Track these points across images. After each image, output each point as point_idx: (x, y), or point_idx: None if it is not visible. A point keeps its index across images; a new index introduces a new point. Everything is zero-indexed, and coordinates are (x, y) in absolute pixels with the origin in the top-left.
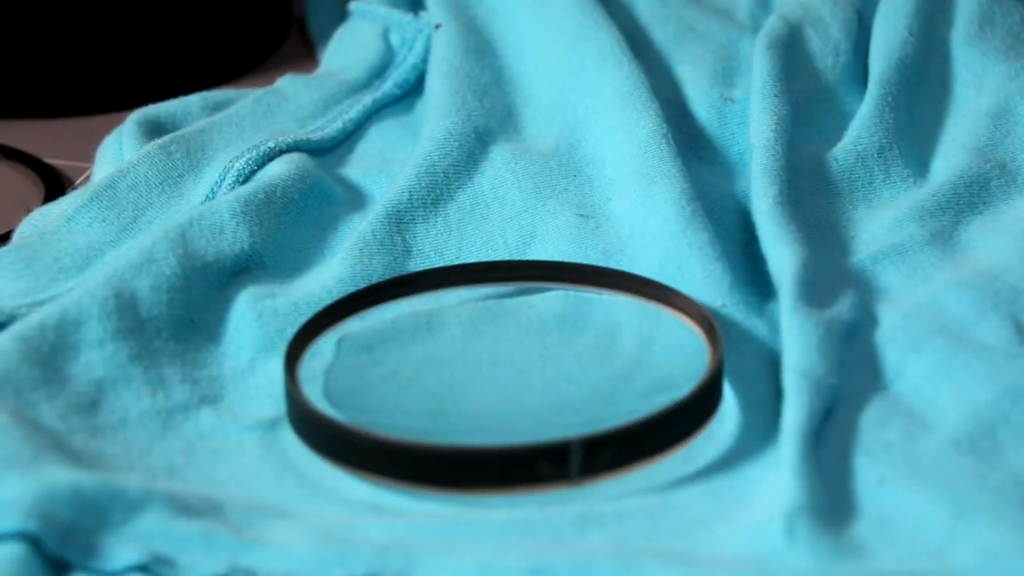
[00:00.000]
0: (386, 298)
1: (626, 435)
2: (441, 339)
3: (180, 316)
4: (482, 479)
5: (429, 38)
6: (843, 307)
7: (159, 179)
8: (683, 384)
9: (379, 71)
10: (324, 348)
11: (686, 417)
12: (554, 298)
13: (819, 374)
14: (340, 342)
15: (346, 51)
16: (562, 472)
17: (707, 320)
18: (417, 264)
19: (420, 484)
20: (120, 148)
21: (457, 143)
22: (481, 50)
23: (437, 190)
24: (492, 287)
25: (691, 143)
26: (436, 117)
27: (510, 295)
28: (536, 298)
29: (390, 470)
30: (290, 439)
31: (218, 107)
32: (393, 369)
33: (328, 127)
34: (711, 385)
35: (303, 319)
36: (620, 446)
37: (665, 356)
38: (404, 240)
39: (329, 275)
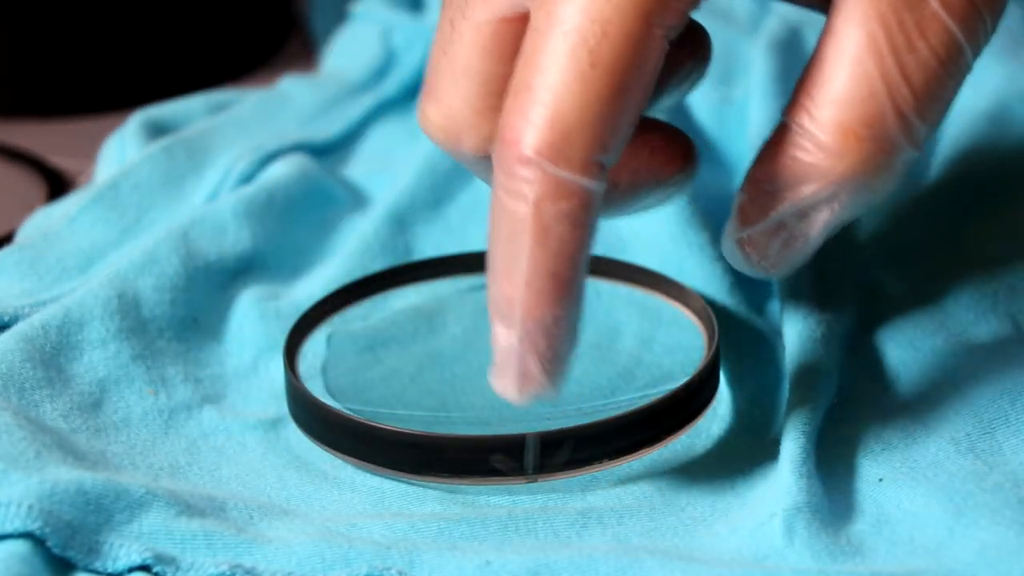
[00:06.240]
0: (382, 288)
1: (585, 433)
2: (443, 338)
3: (183, 316)
4: (440, 467)
5: (430, 39)
6: (842, 307)
7: (161, 180)
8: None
9: (380, 72)
10: (322, 343)
11: (649, 423)
12: None
13: (820, 373)
14: (331, 337)
15: (347, 52)
16: (518, 466)
17: (708, 317)
18: None
19: (383, 467)
20: (122, 149)
21: None
22: None
23: (439, 191)
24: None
25: None
26: None
27: None
28: None
29: (355, 450)
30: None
31: (220, 108)
32: (394, 367)
33: (330, 128)
34: (688, 392)
35: None
36: (579, 444)
37: (665, 354)
38: (405, 241)
39: (331, 276)
